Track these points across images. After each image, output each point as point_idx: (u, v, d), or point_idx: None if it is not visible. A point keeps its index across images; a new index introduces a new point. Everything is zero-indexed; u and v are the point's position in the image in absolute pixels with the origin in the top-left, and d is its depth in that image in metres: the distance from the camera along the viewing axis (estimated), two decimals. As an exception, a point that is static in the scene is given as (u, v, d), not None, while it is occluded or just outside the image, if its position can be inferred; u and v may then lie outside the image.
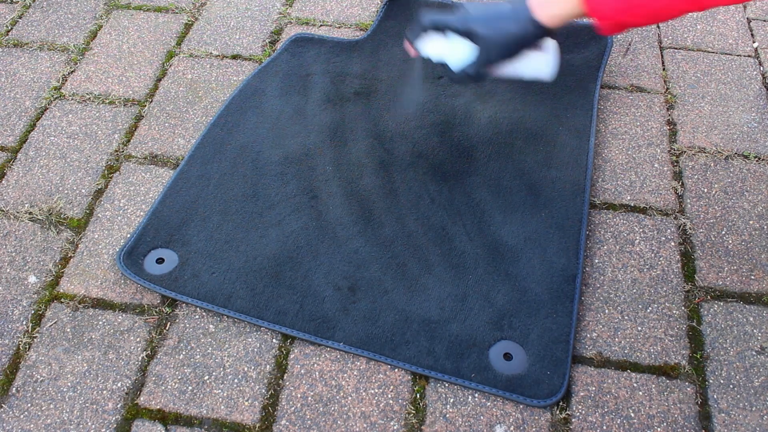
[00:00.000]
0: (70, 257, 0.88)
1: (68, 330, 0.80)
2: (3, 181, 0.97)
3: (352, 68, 1.13)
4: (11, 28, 1.23)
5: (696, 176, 0.98)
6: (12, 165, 0.99)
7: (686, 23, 1.25)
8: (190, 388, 0.75)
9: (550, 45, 0.84)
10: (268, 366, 0.77)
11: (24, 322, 0.81)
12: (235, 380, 0.76)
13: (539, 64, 0.85)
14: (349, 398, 0.75)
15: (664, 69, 1.16)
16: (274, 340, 0.80)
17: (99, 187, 0.97)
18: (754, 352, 0.79)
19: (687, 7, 0.71)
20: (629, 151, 1.02)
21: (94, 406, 0.74)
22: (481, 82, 0.86)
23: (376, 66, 1.13)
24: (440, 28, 0.83)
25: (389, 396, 0.75)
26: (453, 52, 0.83)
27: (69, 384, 0.76)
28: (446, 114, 1.05)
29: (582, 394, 0.75)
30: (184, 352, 0.78)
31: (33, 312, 0.82)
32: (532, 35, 0.78)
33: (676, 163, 1.00)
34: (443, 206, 0.92)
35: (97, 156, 1.01)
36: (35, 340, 0.80)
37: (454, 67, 0.84)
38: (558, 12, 0.76)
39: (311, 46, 1.18)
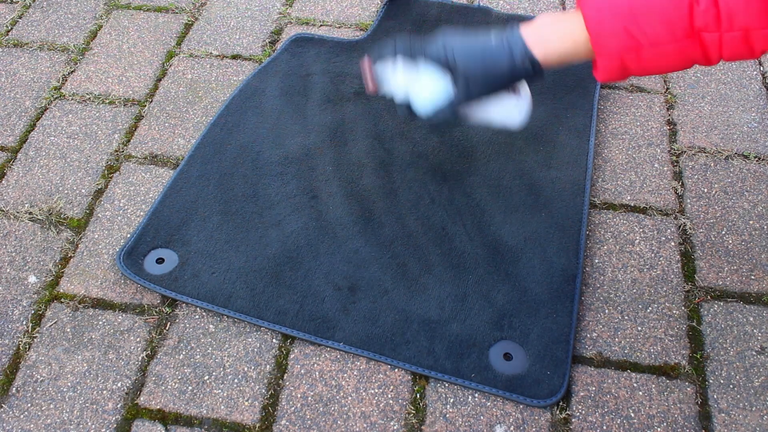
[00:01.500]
0: (70, 257, 0.88)
1: (68, 330, 0.80)
2: (3, 181, 0.97)
3: (352, 68, 1.13)
4: (11, 28, 1.23)
5: (696, 176, 0.98)
6: (12, 165, 0.99)
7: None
8: (190, 388, 0.75)
9: (526, 91, 0.75)
10: (268, 366, 0.77)
11: (24, 322, 0.81)
12: (235, 380, 0.76)
13: (512, 109, 0.75)
14: (349, 398, 0.75)
15: (664, 69, 1.16)
16: (274, 340, 0.80)
17: (99, 187, 0.97)
18: (754, 352, 0.79)
19: (697, 59, 0.64)
20: (629, 151, 1.02)
21: (94, 406, 0.74)
22: (450, 126, 0.73)
23: (376, 66, 1.13)
24: (413, 56, 0.71)
25: (389, 396, 0.75)
26: (423, 87, 0.71)
27: (69, 384, 0.76)
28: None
29: (582, 394, 0.75)
30: (184, 352, 0.78)
31: (33, 312, 0.82)
32: (521, 72, 0.69)
33: (676, 163, 1.00)
34: (443, 206, 0.92)
35: (97, 156, 1.01)
36: (35, 340, 0.80)
37: (423, 107, 0.73)
38: (557, 47, 0.68)
39: (311, 46, 1.18)
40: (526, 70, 0.69)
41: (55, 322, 0.81)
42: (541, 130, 1.02)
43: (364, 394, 0.75)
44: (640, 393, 0.75)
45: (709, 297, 0.84)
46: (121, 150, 1.02)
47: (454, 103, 0.71)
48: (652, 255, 0.88)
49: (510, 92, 0.73)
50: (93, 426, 0.73)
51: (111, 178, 0.98)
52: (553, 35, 0.69)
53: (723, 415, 0.73)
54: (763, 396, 0.75)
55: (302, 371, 0.77)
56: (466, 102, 0.71)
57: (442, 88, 0.70)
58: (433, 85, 0.70)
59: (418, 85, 0.71)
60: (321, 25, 1.25)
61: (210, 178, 0.96)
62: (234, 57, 1.18)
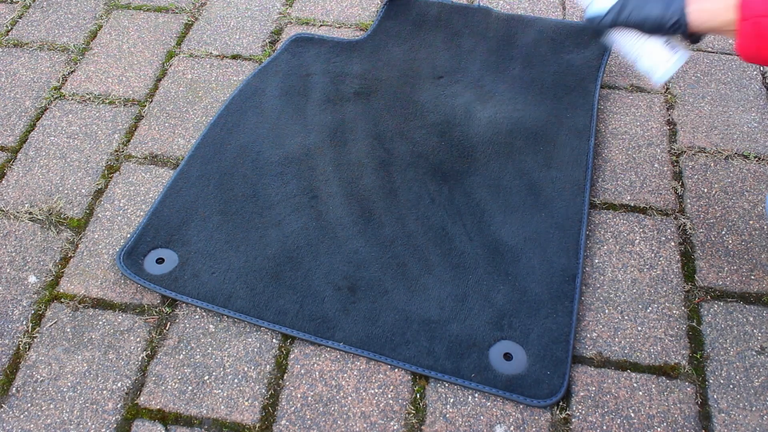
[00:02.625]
0: (70, 257, 0.88)
1: (68, 330, 0.80)
2: (3, 181, 0.97)
3: (352, 68, 1.13)
4: (11, 28, 1.23)
5: (696, 176, 0.98)
6: (12, 165, 0.99)
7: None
8: (190, 388, 0.75)
9: (682, 54, 0.82)
10: (268, 366, 0.77)
11: (24, 322, 0.81)
12: (235, 380, 0.76)
13: (661, 60, 0.82)
14: (349, 398, 0.75)
15: (664, 69, 1.16)
16: (274, 340, 0.80)
17: (99, 187, 0.97)
18: (754, 352, 0.79)
19: None
20: (629, 151, 1.02)
21: (94, 406, 0.74)
22: (601, 36, 0.84)
23: (376, 66, 1.13)
24: None
25: (389, 396, 0.75)
26: None
27: (69, 384, 0.76)
28: (446, 114, 1.05)
29: (582, 394, 0.75)
30: (184, 352, 0.78)
31: (33, 312, 0.82)
32: (671, 24, 0.76)
33: (676, 163, 1.00)
34: (443, 206, 0.92)
35: (97, 156, 1.01)
36: (35, 340, 0.80)
37: (588, 11, 0.83)
38: (709, 7, 0.73)
39: (311, 46, 1.18)
40: (673, 22, 0.75)
41: (55, 322, 0.81)
42: (541, 130, 1.02)
43: (364, 394, 0.75)
44: (640, 393, 0.75)
45: (709, 297, 0.84)
46: (121, 150, 1.02)
47: (607, 15, 0.81)
48: (652, 255, 0.88)
49: (667, 46, 0.81)
50: (93, 426, 0.73)
51: (111, 178, 0.98)
52: None
53: (723, 415, 0.73)
54: (763, 396, 0.75)
55: (302, 371, 0.77)
56: (616, 21, 0.80)
57: (608, 3, 0.82)
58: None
59: None
60: (321, 25, 1.25)
61: (210, 178, 0.96)
62: (234, 57, 1.18)
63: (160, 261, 0.85)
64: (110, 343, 0.79)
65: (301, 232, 0.89)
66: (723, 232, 0.91)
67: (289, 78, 1.12)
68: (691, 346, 0.79)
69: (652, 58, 0.82)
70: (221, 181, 0.95)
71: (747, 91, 1.11)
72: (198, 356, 0.78)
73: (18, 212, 0.93)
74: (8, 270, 0.87)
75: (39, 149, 1.02)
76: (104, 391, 0.75)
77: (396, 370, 0.77)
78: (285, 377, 0.76)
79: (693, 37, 0.78)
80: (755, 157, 1.01)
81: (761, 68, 1.16)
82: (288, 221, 0.90)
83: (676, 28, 0.76)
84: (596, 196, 0.95)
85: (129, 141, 1.03)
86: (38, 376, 0.76)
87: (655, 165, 1.00)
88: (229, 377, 0.76)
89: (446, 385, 0.76)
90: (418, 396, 0.75)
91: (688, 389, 0.75)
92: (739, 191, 0.96)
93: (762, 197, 0.95)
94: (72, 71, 1.15)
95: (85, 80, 1.13)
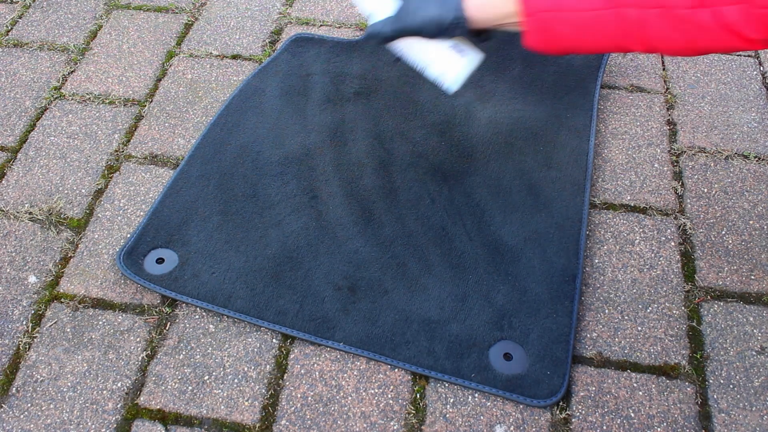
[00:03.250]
0: (70, 257, 0.88)
1: (68, 330, 0.80)
2: (3, 181, 0.97)
3: (352, 68, 1.13)
4: (11, 28, 1.23)
5: (696, 176, 0.98)
6: (12, 165, 0.99)
7: (686, 23, 1.25)
8: (190, 388, 0.75)
9: (473, 57, 0.78)
10: (268, 366, 0.77)
11: (24, 322, 0.81)
12: (235, 380, 0.76)
13: (450, 66, 0.78)
14: (349, 398, 0.75)
15: (664, 69, 1.16)
16: (274, 340, 0.80)
17: (99, 187, 0.97)
18: (754, 352, 0.79)
19: (628, 45, 0.66)
20: (629, 151, 1.02)
21: (94, 406, 0.74)
22: (385, 45, 0.80)
23: (376, 66, 1.13)
24: None
25: (389, 396, 0.75)
26: (378, 7, 0.78)
27: (69, 384, 0.76)
28: (446, 114, 1.05)
29: (582, 394, 0.75)
30: (184, 352, 0.78)
31: (33, 312, 0.82)
32: (450, 22, 0.72)
33: (676, 163, 1.00)
34: (443, 206, 0.92)
35: (97, 156, 1.01)
36: (35, 340, 0.80)
37: (370, 23, 0.79)
38: (487, 4, 0.71)
39: (311, 46, 1.18)
40: (452, 19, 0.72)
41: (55, 322, 0.81)
42: (541, 130, 1.02)
43: (364, 394, 0.75)
44: (640, 393, 0.75)
45: (709, 297, 0.84)
46: (121, 150, 1.02)
47: (389, 26, 0.76)
48: (652, 255, 0.88)
49: (455, 50, 0.77)
50: (93, 426, 0.73)
51: (111, 178, 0.98)
52: None
53: (723, 415, 0.73)
54: (763, 396, 0.75)
55: (302, 371, 0.77)
56: (396, 32, 0.76)
57: (388, 12, 0.77)
58: (384, 7, 0.77)
59: (377, 4, 0.79)
60: (321, 25, 1.25)
61: (210, 178, 0.96)
62: (234, 57, 1.18)
63: (160, 261, 0.85)
64: (110, 343, 0.79)
65: (301, 232, 0.89)
66: (723, 232, 0.91)
67: (289, 78, 1.12)
68: (691, 346, 0.79)
69: (441, 64, 0.78)
70: (221, 181, 0.95)
71: (747, 91, 1.11)
72: (198, 356, 0.78)
73: (18, 212, 0.93)
74: (8, 270, 0.87)
75: (39, 149, 1.02)
76: (104, 391, 0.75)
77: (396, 370, 0.77)
78: (285, 377, 0.76)
79: (480, 36, 0.75)
80: (755, 157, 1.01)
81: (761, 68, 1.16)
82: (288, 221, 0.90)
83: (455, 25, 0.73)
84: (596, 196, 0.95)
85: (129, 141, 1.03)
86: (38, 376, 0.76)
87: (655, 165, 1.00)
88: (229, 377, 0.76)
89: (446, 385, 0.76)
90: (418, 396, 0.75)
91: (688, 389, 0.75)
92: (739, 191, 0.96)
93: (762, 197, 0.95)
94: (72, 71, 1.15)
95: (85, 80, 1.13)
